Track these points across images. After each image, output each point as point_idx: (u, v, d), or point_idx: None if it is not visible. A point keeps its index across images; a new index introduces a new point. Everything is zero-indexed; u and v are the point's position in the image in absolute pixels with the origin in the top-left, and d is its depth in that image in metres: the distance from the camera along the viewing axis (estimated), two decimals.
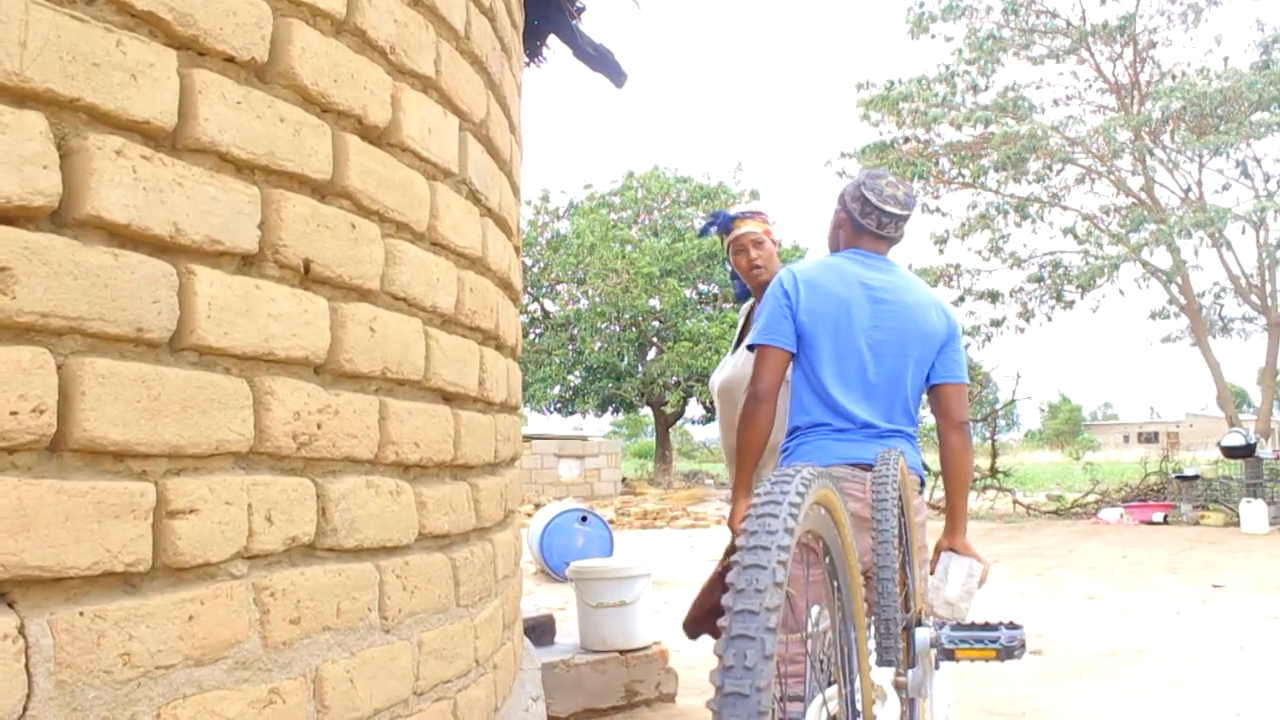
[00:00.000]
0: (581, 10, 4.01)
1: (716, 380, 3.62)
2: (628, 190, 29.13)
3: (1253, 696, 4.74)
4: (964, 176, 19.94)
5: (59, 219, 1.32)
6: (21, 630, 1.23)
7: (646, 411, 31.62)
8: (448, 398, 2.21)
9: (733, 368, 3.52)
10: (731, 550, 3.61)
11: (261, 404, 1.61)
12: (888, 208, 2.93)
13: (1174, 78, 18.58)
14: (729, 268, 3.74)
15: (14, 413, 1.23)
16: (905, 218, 2.96)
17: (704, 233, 3.68)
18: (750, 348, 2.91)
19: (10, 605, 1.24)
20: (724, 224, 3.55)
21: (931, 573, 3.10)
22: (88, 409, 1.32)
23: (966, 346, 19.16)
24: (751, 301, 3.76)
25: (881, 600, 2.14)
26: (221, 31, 1.56)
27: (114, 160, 1.37)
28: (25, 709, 1.22)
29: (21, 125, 1.26)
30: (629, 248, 26.82)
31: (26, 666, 1.23)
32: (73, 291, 1.31)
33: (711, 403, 3.89)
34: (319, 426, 1.73)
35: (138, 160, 1.40)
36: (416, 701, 1.99)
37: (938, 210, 20.62)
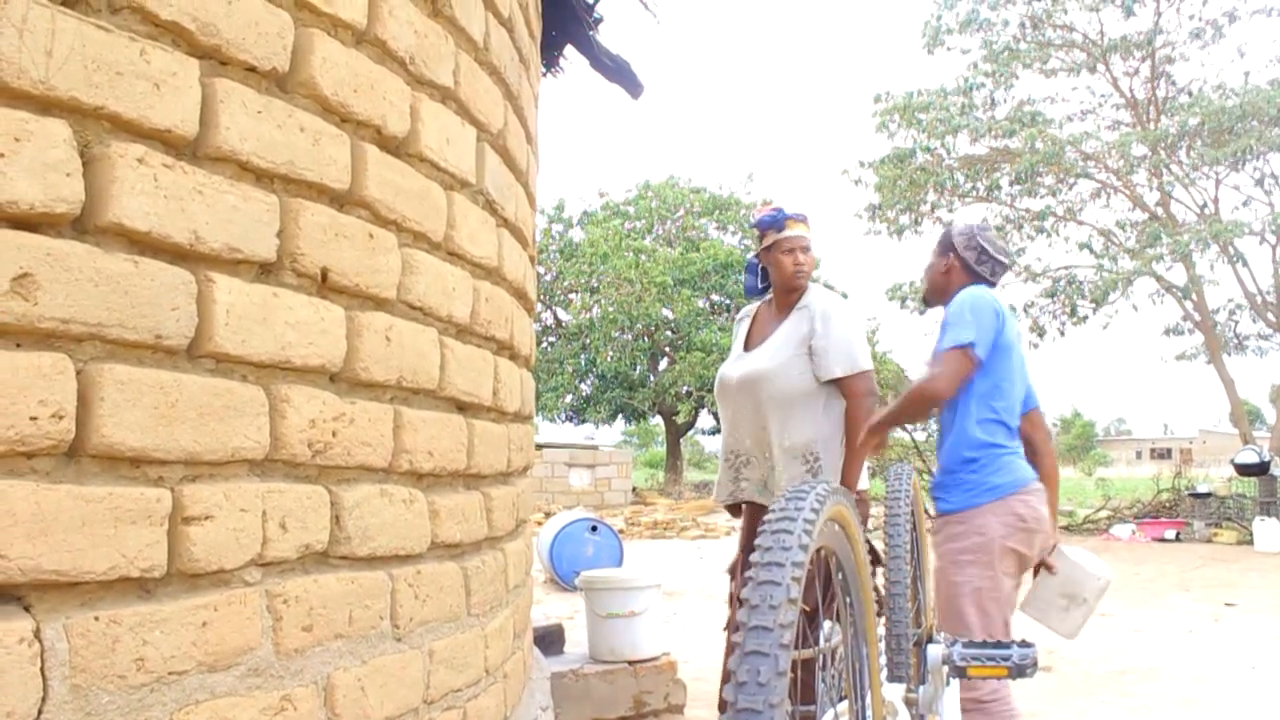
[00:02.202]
0: (599, 22, 4.02)
1: (735, 371, 3.59)
2: (642, 200, 29.16)
3: (1265, 716, 4.71)
4: (978, 190, 19.91)
5: (81, 226, 1.33)
6: (37, 634, 1.24)
7: (658, 421, 31.62)
8: (462, 407, 2.21)
9: (765, 362, 3.52)
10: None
11: (277, 412, 1.62)
12: (1002, 258, 3.22)
13: (1191, 94, 18.53)
14: (754, 260, 3.74)
15: (34, 418, 1.24)
16: (1011, 267, 3.26)
17: (763, 225, 3.65)
18: (954, 347, 3.02)
19: (26, 609, 1.24)
20: (779, 221, 3.56)
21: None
22: (106, 415, 1.33)
23: None
24: (765, 302, 3.77)
25: (893, 616, 2.14)
26: (244, 41, 1.57)
27: (135, 168, 1.38)
28: (40, 712, 1.23)
29: (46, 133, 1.28)
30: (642, 257, 26.82)
31: (42, 670, 1.23)
32: (93, 298, 1.32)
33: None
34: (334, 435, 1.74)
35: (159, 168, 1.42)
36: (427, 710, 1.99)
37: (951, 224, 20.57)
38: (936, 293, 3.30)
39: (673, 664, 4.57)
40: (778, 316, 3.66)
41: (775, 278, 3.62)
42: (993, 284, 3.22)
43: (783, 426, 3.44)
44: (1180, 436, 73.65)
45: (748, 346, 3.69)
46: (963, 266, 3.21)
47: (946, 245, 3.26)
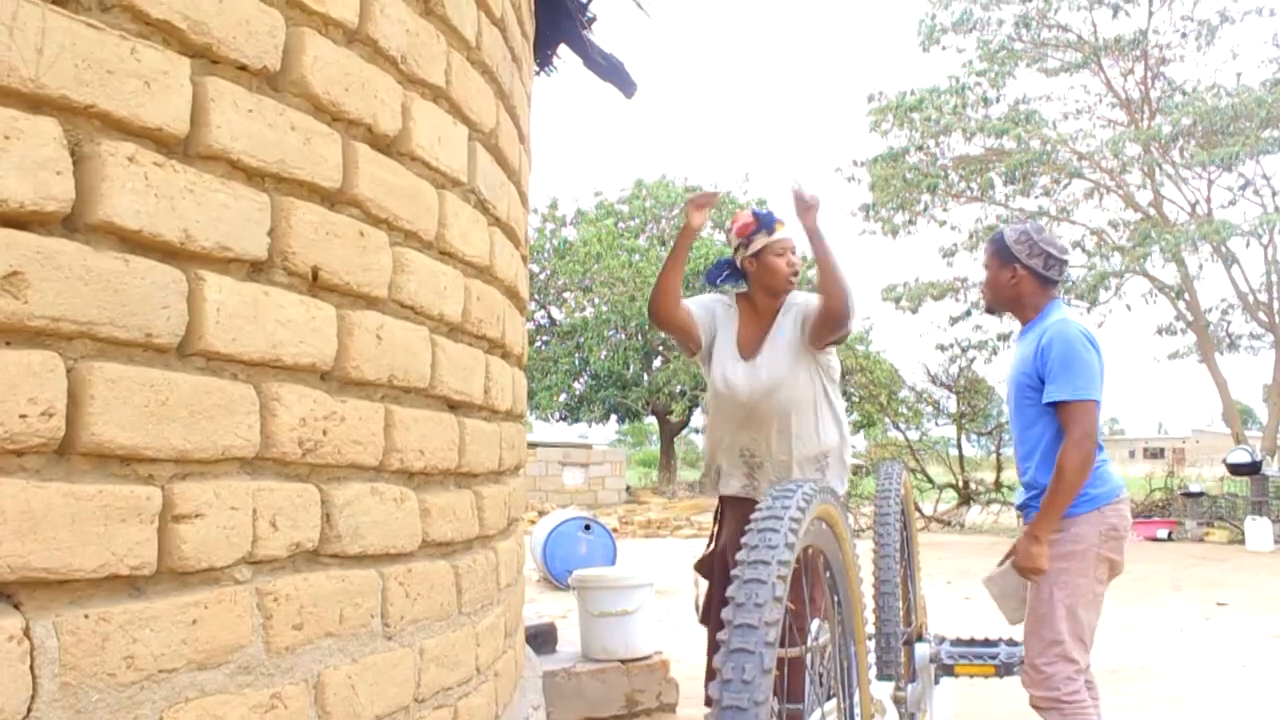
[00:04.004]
0: (592, 20, 4.02)
1: (744, 382, 3.54)
2: (636, 199, 29.15)
3: (1255, 715, 4.73)
4: (972, 190, 19.94)
5: (71, 224, 1.33)
6: (27, 632, 1.24)
7: (651, 420, 31.61)
8: (453, 406, 2.22)
9: (775, 372, 3.53)
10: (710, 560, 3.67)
11: (268, 410, 1.62)
12: (1066, 257, 3.23)
13: (1185, 94, 18.57)
14: (734, 262, 3.72)
15: (23, 416, 1.24)
16: (1069, 261, 3.27)
17: (761, 220, 3.62)
18: (1085, 400, 3.01)
19: (16, 607, 1.25)
20: (768, 224, 3.58)
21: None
22: (96, 413, 1.33)
23: (973, 361, 19.22)
24: (739, 300, 3.75)
25: (883, 614, 2.15)
26: (235, 40, 1.57)
27: (126, 166, 1.38)
28: (29, 710, 1.23)
29: (36, 131, 1.28)
30: (636, 256, 26.82)
31: (31, 668, 1.24)
32: (83, 296, 1.32)
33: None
34: (325, 433, 1.74)
35: (150, 167, 1.42)
36: (417, 708, 1.99)
37: (945, 223, 20.62)
38: (1005, 303, 3.30)
39: (665, 663, 4.57)
40: (763, 320, 3.67)
41: (766, 281, 3.62)
42: (1058, 283, 3.24)
43: (798, 435, 3.51)
44: (1173, 436, 73.75)
45: (740, 351, 3.68)
46: (1031, 274, 3.20)
47: (1006, 256, 3.22)
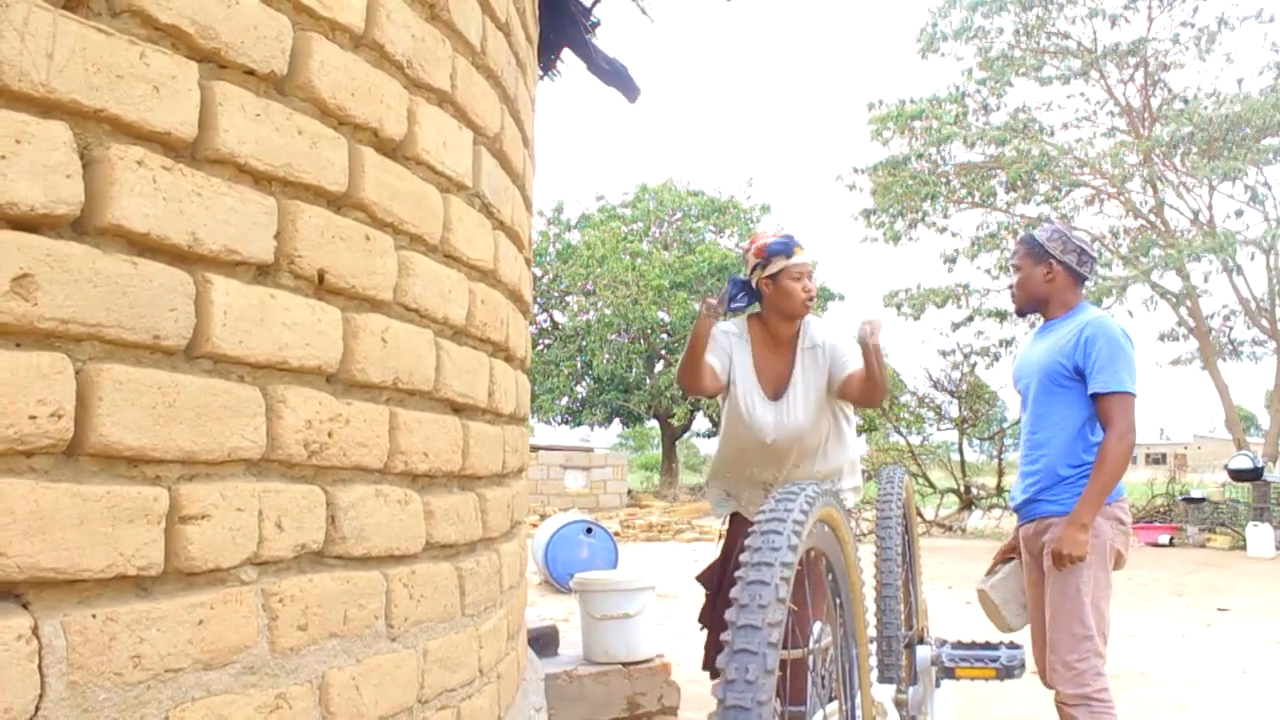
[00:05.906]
0: (596, 25, 4.04)
1: (769, 427, 3.55)
2: (639, 202, 29.18)
3: None
4: (974, 196, 19.95)
5: (80, 227, 1.34)
6: (35, 631, 1.25)
7: (653, 424, 31.61)
8: (457, 408, 2.22)
9: (800, 418, 3.54)
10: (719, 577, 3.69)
11: (274, 412, 1.63)
12: (1094, 253, 3.34)
13: (1185, 101, 18.59)
14: (742, 280, 3.64)
15: (33, 417, 1.25)
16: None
17: (773, 251, 3.56)
18: (1126, 393, 3.10)
19: (24, 606, 1.25)
20: (787, 248, 3.54)
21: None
22: (104, 414, 1.34)
23: (974, 367, 19.22)
24: (751, 320, 3.70)
25: (884, 617, 2.16)
26: (243, 45, 1.58)
27: (135, 170, 1.39)
28: (37, 709, 1.24)
29: (46, 135, 1.29)
30: (639, 260, 26.84)
31: (39, 667, 1.24)
32: (92, 299, 1.33)
33: (717, 418, 3.87)
34: (330, 435, 1.75)
35: (158, 170, 1.43)
36: (421, 710, 2.00)
37: (947, 230, 20.64)
38: (1037, 302, 3.37)
39: (667, 666, 4.58)
40: (782, 351, 3.64)
41: (781, 305, 3.56)
42: (1087, 279, 3.34)
43: (814, 464, 3.56)
44: (1175, 442, 73.59)
45: (763, 386, 3.63)
46: (1065, 270, 3.29)
47: (1040, 253, 3.31)
